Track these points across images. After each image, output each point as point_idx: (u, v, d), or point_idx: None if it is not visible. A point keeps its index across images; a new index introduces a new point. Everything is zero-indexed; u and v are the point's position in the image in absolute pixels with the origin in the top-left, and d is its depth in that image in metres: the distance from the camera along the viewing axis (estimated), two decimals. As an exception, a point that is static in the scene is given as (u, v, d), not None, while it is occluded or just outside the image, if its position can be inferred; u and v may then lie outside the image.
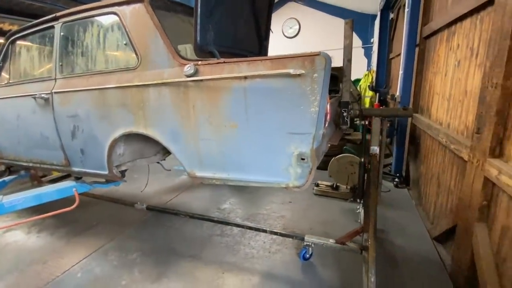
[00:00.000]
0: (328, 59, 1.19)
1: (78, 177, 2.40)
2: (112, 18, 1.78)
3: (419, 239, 2.57)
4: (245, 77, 1.30)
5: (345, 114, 1.69)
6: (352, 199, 2.52)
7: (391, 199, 3.36)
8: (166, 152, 2.30)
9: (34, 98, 2.05)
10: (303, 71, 1.19)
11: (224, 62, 1.37)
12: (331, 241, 2.13)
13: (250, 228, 2.46)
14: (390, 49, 5.68)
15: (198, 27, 1.54)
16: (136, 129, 1.69)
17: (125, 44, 1.71)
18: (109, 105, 1.75)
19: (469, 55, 2.09)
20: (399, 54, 4.02)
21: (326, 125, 1.32)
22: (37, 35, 2.22)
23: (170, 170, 3.04)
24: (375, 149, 1.87)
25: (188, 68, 1.43)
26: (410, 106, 3.53)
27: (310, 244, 2.21)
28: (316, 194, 3.54)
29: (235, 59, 1.34)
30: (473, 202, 1.77)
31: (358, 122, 1.83)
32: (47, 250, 2.64)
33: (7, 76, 2.40)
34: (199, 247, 2.59)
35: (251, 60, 1.30)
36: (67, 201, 2.23)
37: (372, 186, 1.79)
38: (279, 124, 1.32)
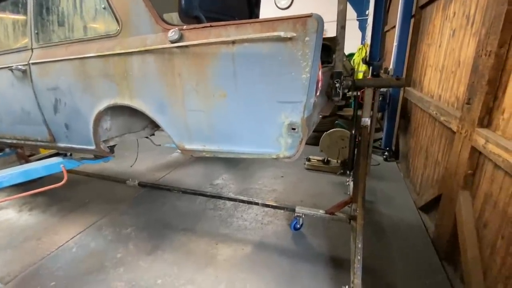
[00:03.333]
0: (320, 21, 1.13)
1: (67, 154, 2.35)
2: (88, -20, 1.64)
3: (405, 209, 2.67)
4: (233, 42, 1.22)
5: (337, 85, 1.65)
6: (342, 171, 2.57)
7: (380, 172, 3.44)
8: (154, 126, 2.24)
9: (11, 70, 1.93)
10: (294, 34, 1.13)
11: (210, 26, 1.28)
12: (321, 211, 2.19)
13: (243, 201, 2.50)
14: (385, 21, 5.51)
15: (183, -11, 1.44)
16: (121, 101, 1.62)
17: (104, 8, 1.59)
18: (91, 75, 1.65)
19: (465, 23, 2.04)
20: (394, 26, 3.91)
21: (318, 93, 1.29)
22: (9, 2, 2.04)
23: (159, 145, 3.00)
24: (366, 120, 1.86)
25: (172, 33, 1.34)
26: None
27: (301, 215, 2.27)
28: (307, 169, 3.59)
29: (222, 22, 1.26)
30: (459, 171, 1.81)
31: (350, 93, 1.79)
32: (40, 227, 2.65)
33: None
34: (193, 221, 2.63)
35: (239, 23, 1.22)
36: (58, 179, 2.19)
37: (362, 157, 1.80)
38: (269, 92, 1.28)
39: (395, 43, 3.58)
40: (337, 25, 1.65)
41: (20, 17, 2.01)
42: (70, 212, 2.90)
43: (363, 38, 7.03)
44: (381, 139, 4.06)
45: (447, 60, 2.32)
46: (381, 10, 3.90)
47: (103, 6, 1.58)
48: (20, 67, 1.89)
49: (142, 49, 1.43)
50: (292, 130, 1.30)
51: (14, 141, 2.33)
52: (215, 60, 1.30)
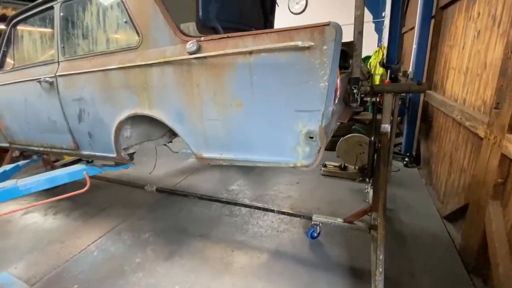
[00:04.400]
0: (338, 29, 1.11)
1: (89, 161, 2.44)
2: (111, -5, 1.71)
3: (428, 218, 2.55)
4: (250, 52, 1.23)
5: (355, 91, 1.62)
6: (360, 179, 2.49)
7: (400, 179, 3.32)
8: (172, 134, 2.28)
9: (39, 82, 2.03)
10: (312, 43, 1.12)
11: (228, 37, 1.30)
12: (339, 220, 2.14)
13: (258, 208, 2.48)
14: (403, 22, 5.36)
15: (200, 1, 1.47)
16: (141, 111, 1.67)
17: (125, 22, 1.65)
18: (113, 86, 1.72)
19: (491, 24, 1.94)
20: (413, 28, 3.80)
21: (336, 101, 1.27)
22: (38, 17, 2.17)
23: (177, 152, 3.06)
24: (386, 127, 1.80)
25: (191, 45, 1.37)
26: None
27: (318, 223, 2.23)
28: (323, 175, 3.53)
29: (239, 33, 1.27)
30: (487, 180, 1.72)
31: (368, 99, 1.75)
32: (64, 231, 2.76)
33: (12, 62, 2.38)
34: (209, 227, 2.64)
35: (256, 34, 1.23)
36: (81, 184, 2.28)
37: (382, 164, 1.75)
38: (286, 101, 1.27)
39: (414, 45, 3.48)
40: (354, 30, 1.62)
41: (48, 31, 2.13)
42: (92, 216, 3.00)
43: (380, 40, 6.89)
44: (400, 144, 3.94)
45: (472, 62, 2.22)
46: (398, 12, 3.81)
47: (124, 20, 1.65)
48: (47, 79, 1.99)
49: (162, 60, 1.47)
50: (310, 139, 1.29)
51: (41, 149, 2.45)
52: (232, 70, 1.31)
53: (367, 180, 2.37)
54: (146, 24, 1.57)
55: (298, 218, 2.49)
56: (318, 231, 2.31)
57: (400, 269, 1.99)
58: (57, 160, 4.08)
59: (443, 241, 2.25)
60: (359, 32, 1.63)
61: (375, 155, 2.03)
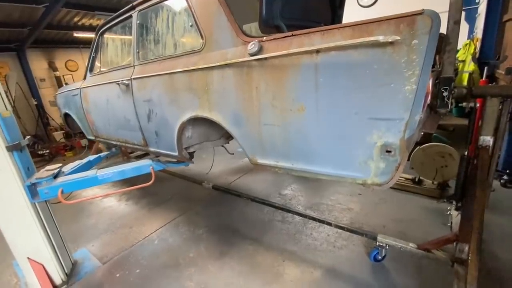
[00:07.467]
0: (435, 19, 0.87)
1: (156, 156, 2.64)
2: (179, 0, 1.76)
3: (539, 258, 1.97)
4: (317, 51, 1.08)
5: (445, 93, 1.30)
6: (444, 200, 2.06)
7: (497, 201, 2.68)
8: (229, 135, 2.29)
9: (118, 84, 2.27)
10: (398, 37, 0.90)
11: (292, 35, 1.17)
12: (412, 245, 1.81)
13: (313, 219, 2.29)
14: (505, 9, 4.35)
15: (264, -1, 1.38)
16: (201, 113, 1.68)
17: (191, 26, 1.68)
18: (177, 89, 1.78)
19: None
20: (524, 13, 3.01)
21: (425, 108, 1.02)
22: (119, 26, 2.42)
23: (233, 154, 3.08)
24: (486, 140, 1.42)
25: (252, 46, 1.29)
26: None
27: (384, 245, 1.93)
28: (392, 188, 3.09)
29: (305, 30, 1.13)
30: None
31: (465, 104, 1.40)
32: (133, 217, 3.08)
33: (99, 65, 2.74)
34: (260, 231, 2.59)
35: (325, 30, 1.07)
36: (150, 176, 2.46)
37: (479, 187, 1.38)
38: (358, 107, 1.08)
39: (526, 35, 2.74)
40: (448, 20, 1.31)
41: (127, 38, 2.35)
42: (156, 206, 3.28)
43: (471, 31, 5.77)
44: (498, 157, 3.18)
45: None
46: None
47: (190, 23, 1.68)
48: (124, 81, 2.20)
49: (223, 63, 1.43)
50: (387, 153, 1.07)
51: (118, 143, 2.76)
52: (294, 72, 1.18)
53: (454, 202, 1.94)
54: (210, 27, 1.56)
55: (359, 236, 2.22)
56: (383, 254, 2.01)
57: (495, 320, 1.57)
58: (132, 152, 4.61)
59: None
60: (455, 22, 1.31)
61: (467, 173, 1.63)
